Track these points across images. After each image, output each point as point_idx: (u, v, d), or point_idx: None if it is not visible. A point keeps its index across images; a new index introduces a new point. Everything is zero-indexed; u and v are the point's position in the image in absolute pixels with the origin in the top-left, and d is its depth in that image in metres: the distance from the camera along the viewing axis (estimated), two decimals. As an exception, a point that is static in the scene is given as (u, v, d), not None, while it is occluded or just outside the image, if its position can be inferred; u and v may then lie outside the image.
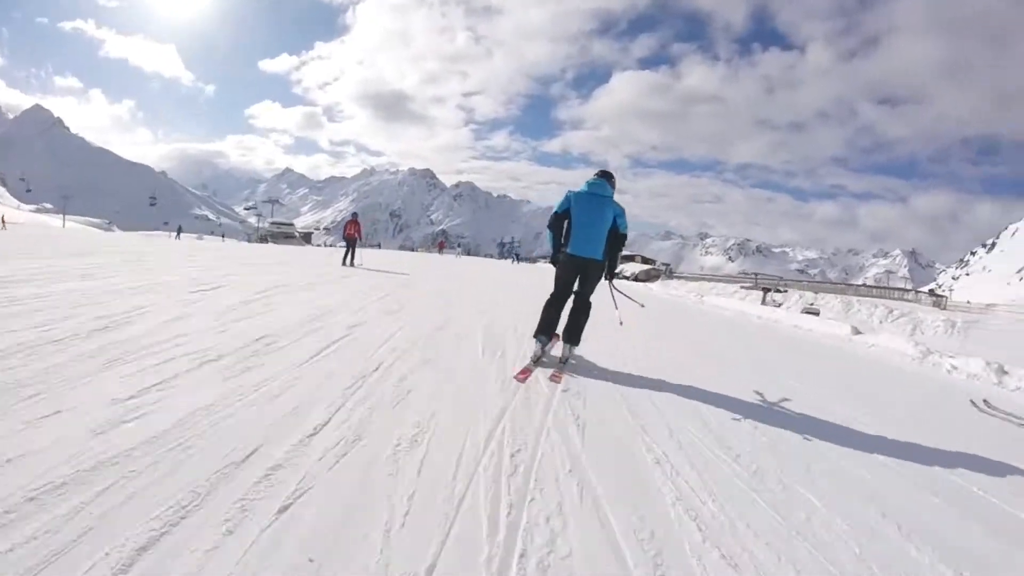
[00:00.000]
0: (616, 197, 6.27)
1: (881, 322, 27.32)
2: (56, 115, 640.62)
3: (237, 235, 79.24)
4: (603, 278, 6.43)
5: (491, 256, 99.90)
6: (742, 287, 41.35)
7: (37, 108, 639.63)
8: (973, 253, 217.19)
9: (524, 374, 5.46)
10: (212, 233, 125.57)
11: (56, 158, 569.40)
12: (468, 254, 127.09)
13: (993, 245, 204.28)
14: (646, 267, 69.72)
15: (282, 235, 79.49)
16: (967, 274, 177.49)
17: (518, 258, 74.17)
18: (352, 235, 21.05)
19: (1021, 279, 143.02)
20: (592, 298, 6.39)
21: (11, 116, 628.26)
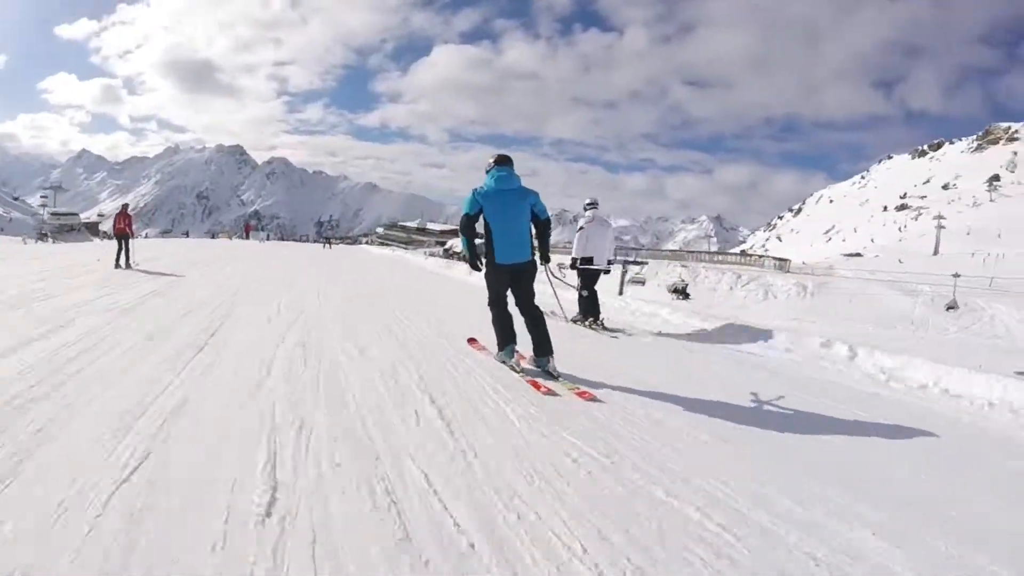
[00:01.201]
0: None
1: (731, 288, 27.08)
2: None
3: (28, 230, 70.02)
4: (536, 273, 6.27)
5: (306, 238, 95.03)
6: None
7: None
8: (780, 217, 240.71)
9: (548, 391, 5.30)
10: (2, 230, 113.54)
11: None
12: (282, 237, 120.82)
13: (799, 210, 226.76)
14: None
15: (64, 228, 70.09)
16: (778, 238, 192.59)
17: (328, 242, 69.96)
18: (122, 229, 18.15)
19: (828, 240, 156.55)
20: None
21: None
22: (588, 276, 10.03)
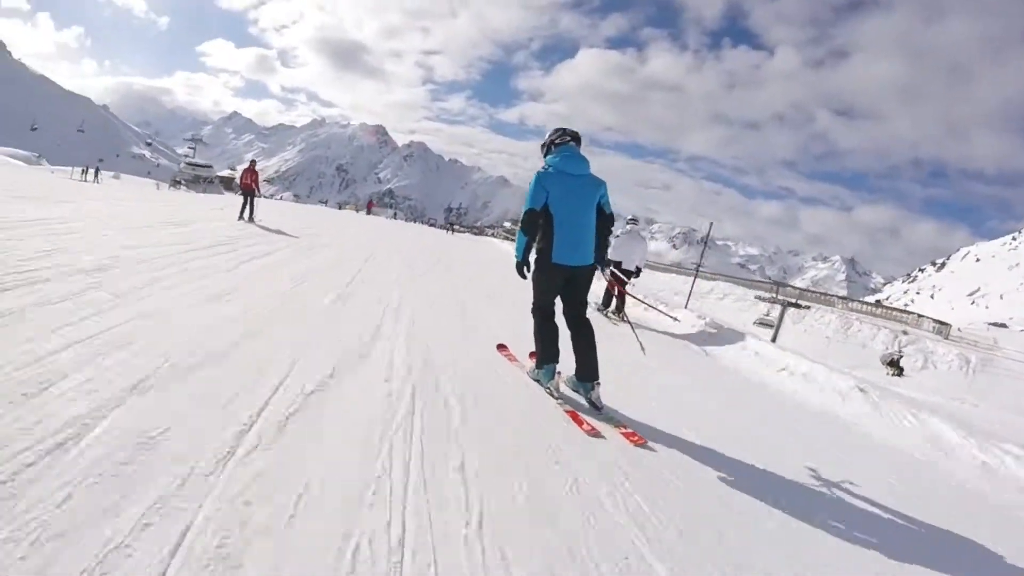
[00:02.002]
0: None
1: (887, 348, 24.82)
2: None
3: (169, 177, 73.48)
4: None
5: (434, 221, 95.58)
6: (757, 297, 33.73)
7: None
8: (921, 270, 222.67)
9: (592, 430, 4.39)
10: (149, 174, 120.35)
11: None
12: (414, 219, 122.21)
13: (943, 265, 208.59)
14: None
15: (198, 179, 71.57)
16: (917, 292, 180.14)
17: (452, 228, 69.50)
18: (248, 185, 18.47)
19: (972, 303, 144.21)
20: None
21: None
22: (616, 276, 11.60)
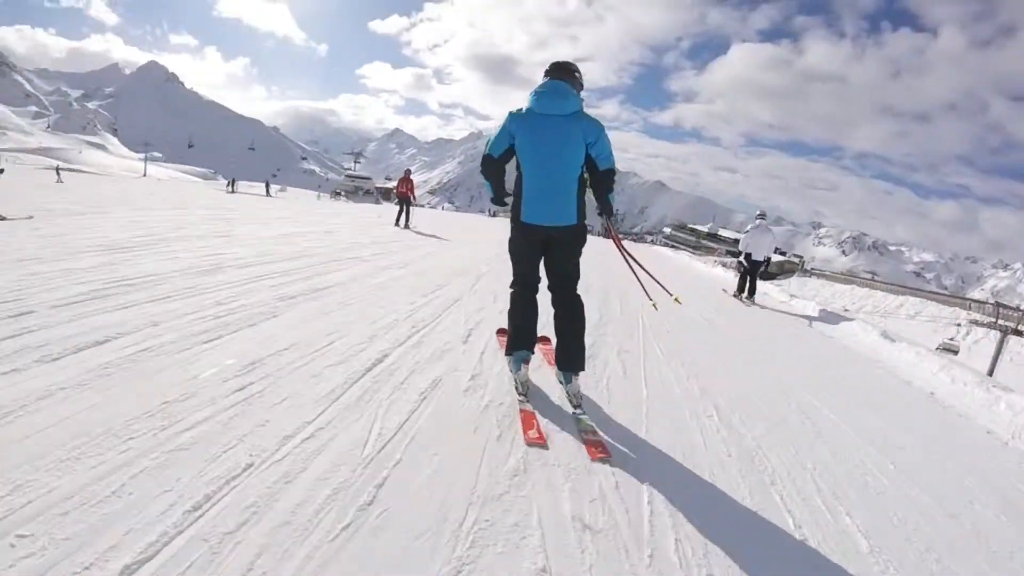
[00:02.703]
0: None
1: None
2: (171, 71, 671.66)
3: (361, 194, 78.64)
4: (583, 246, 4.18)
5: (591, 227, 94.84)
6: (973, 322, 23.64)
7: (152, 64, 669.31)
8: None
9: (538, 434, 3.49)
10: (319, 187, 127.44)
11: (169, 111, 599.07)
12: None
13: None
14: (778, 257, 51.43)
15: (357, 190, 75.77)
16: None
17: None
18: (404, 193, 19.51)
19: None
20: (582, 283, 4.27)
21: (127, 71, 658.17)
22: (748, 266, 13.80)
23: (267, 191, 60.97)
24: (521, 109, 4.02)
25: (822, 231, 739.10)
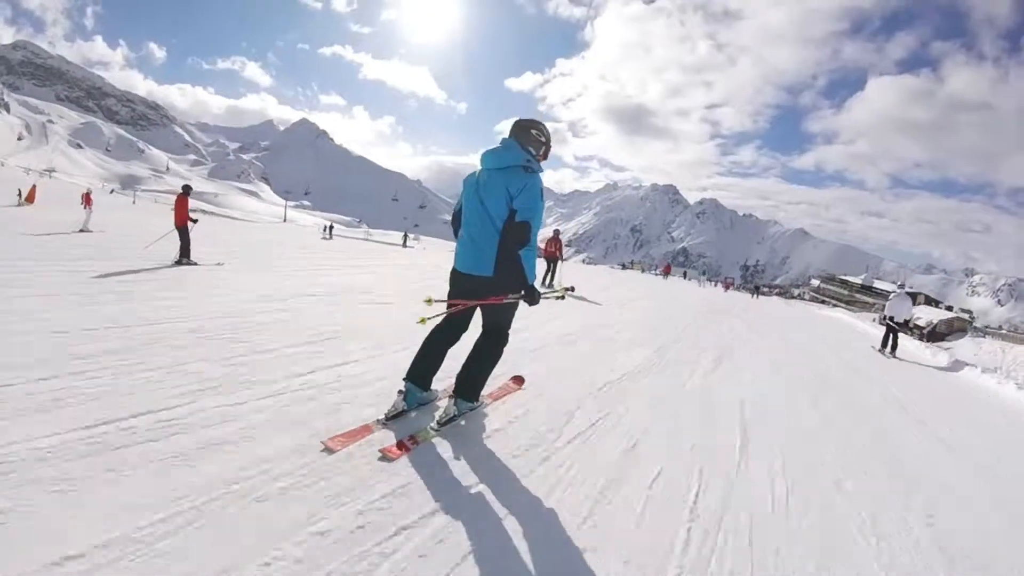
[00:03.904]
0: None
1: None
2: (321, 128, 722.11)
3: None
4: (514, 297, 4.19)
5: (732, 281, 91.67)
6: None
7: (304, 121, 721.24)
8: None
9: (343, 440, 3.71)
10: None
11: (319, 165, 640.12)
12: (711, 278, 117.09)
13: None
14: (946, 315, 47.94)
15: None
16: None
17: (758, 291, 62.41)
18: (552, 253, 19.80)
19: None
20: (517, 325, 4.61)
21: (281, 128, 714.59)
22: (890, 326, 16.66)
23: (404, 242, 61.87)
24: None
25: (976, 278, 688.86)
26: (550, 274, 18.92)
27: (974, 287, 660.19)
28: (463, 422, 4.34)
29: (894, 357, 15.93)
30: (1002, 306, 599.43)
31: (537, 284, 4.76)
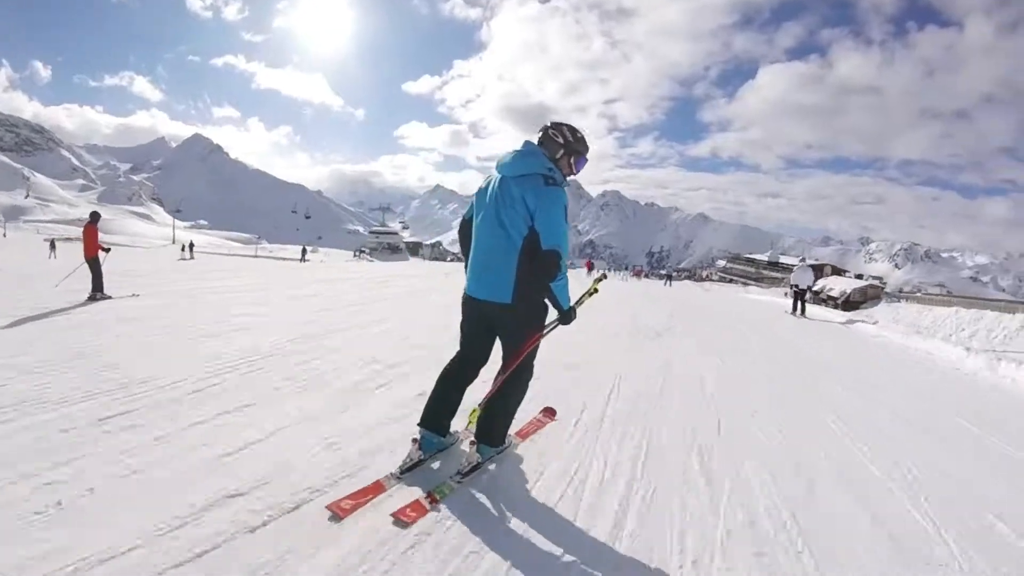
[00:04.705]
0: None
1: None
2: (215, 142, 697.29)
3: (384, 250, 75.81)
4: (524, 330, 3.64)
5: (641, 269, 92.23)
6: None
7: (197, 136, 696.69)
8: None
9: (349, 504, 3.10)
10: (364, 248, 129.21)
11: (214, 181, 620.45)
12: (618, 268, 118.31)
13: None
14: (859, 284, 47.39)
15: (383, 246, 67.58)
16: None
17: (670, 279, 61.67)
18: None
19: None
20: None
21: (173, 145, 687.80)
22: (797, 293, 20.35)
23: (303, 256, 59.80)
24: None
25: (872, 246, 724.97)
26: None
27: (871, 254, 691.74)
28: (492, 467, 3.82)
29: (804, 317, 19.81)
30: (899, 269, 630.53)
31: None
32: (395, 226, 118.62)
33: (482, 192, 3.68)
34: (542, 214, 3.37)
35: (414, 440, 3.71)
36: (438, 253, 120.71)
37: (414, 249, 78.65)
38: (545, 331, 3.70)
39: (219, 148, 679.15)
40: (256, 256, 62.12)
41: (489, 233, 3.52)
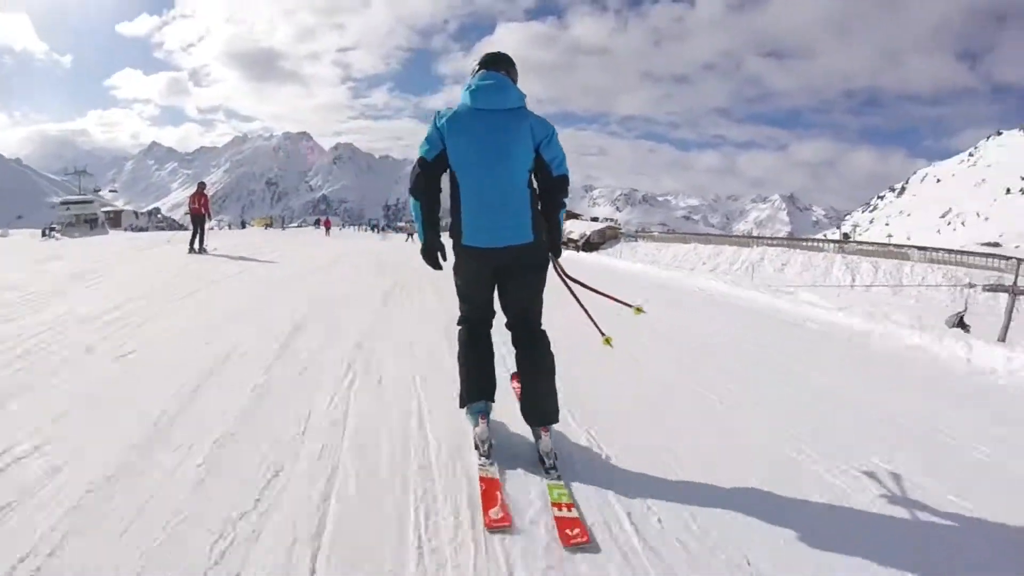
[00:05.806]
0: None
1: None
2: None
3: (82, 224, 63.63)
4: (547, 269, 3.36)
5: (376, 223, 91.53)
6: (988, 288, 23.43)
7: None
8: (880, 197, 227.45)
9: (503, 514, 2.57)
10: (54, 225, 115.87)
11: None
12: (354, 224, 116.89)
13: (903, 190, 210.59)
14: (598, 226, 48.71)
15: (79, 219, 55.63)
16: (886, 223, 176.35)
17: (377, 228, 60.36)
18: (198, 210, 16.60)
19: (949, 225, 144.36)
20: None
21: None
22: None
23: (44, 233, 47.73)
24: (449, 109, 3.22)
25: (595, 192, 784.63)
26: (198, 237, 15.75)
27: (595, 199, 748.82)
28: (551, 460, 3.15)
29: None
30: (620, 212, 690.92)
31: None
32: (106, 194, 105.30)
33: (471, 132, 3.12)
34: (552, 143, 3.21)
35: (482, 416, 3.29)
36: (157, 222, 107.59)
37: (116, 220, 69.18)
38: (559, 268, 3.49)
39: None
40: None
41: (502, 171, 3.12)
